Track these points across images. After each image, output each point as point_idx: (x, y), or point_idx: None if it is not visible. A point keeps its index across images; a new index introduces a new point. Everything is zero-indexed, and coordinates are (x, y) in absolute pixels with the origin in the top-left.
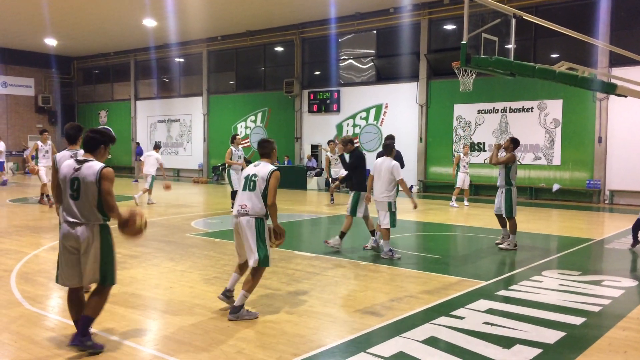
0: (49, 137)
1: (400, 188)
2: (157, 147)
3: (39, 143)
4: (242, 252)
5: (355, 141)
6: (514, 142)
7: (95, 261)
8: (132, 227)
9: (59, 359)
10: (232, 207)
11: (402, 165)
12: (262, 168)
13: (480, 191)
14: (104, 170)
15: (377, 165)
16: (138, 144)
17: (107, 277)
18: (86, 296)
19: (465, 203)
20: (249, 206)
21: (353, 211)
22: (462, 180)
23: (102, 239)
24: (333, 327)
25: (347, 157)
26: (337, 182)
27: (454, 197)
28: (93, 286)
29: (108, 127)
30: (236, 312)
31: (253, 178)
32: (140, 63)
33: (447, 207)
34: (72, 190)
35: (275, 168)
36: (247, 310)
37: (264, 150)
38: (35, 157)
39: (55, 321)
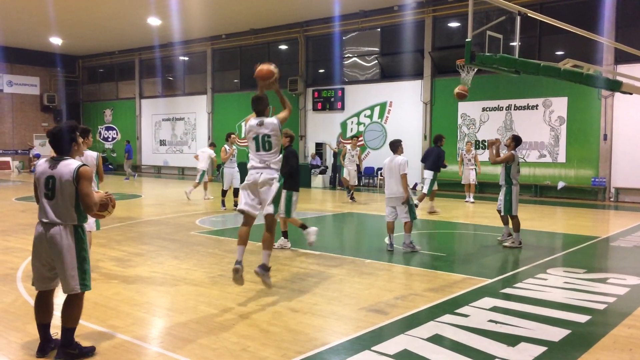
0: None
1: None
2: (212, 144)
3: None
4: (253, 207)
5: (360, 139)
6: (516, 140)
7: (73, 268)
8: (101, 211)
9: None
10: (223, 205)
11: (443, 165)
12: (269, 124)
13: (485, 189)
14: (81, 169)
15: (387, 164)
16: (128, 142)
17: (85, 284)
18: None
19: (471, 199)
20: (268, 160)
21: (287, 212)
22: (467, 176)
23: (77, 243)
24: (338, 324)
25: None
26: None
27: (466, 194)
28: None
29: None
30: (266, 270)
31: (267, 139)
32: (145, 62)
33: (452, 205)
34: (46, 189)
35: (276, 119)
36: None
37: (259, 107)
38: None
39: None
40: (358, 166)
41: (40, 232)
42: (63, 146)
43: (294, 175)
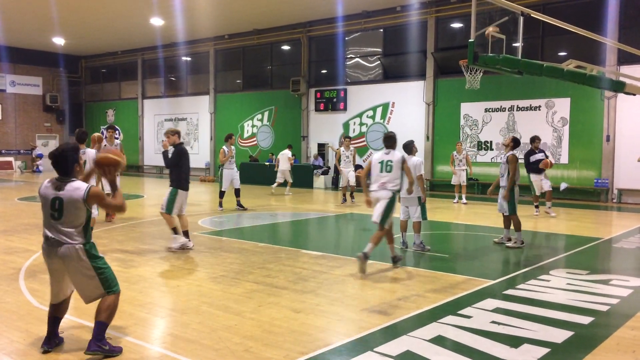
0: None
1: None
2: (290, 146)
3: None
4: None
5: (362, 140)
6: (515, 142)
7: (92, 278)
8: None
9: (67, 357)
10: (220, 205)
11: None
12: (393, 155)
13: (487, 190)
14: (91, 190)
15: None
16: (33, 148)
17: (112, 290)
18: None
19: (463, 200)
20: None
21: (169, 209)
22: (457, 177)
23: (90, 259)
24: (340, 325)
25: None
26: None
27: (456, 195)
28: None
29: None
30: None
31: (389, 163)
32: (148, 62)
33: (454, 206)
34: (52, 210)
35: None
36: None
37: (389, 142)
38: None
39: (64, 319)
40: (357, 166)
41: (50, 251)
42: (67, 167)
43: (181, 174)
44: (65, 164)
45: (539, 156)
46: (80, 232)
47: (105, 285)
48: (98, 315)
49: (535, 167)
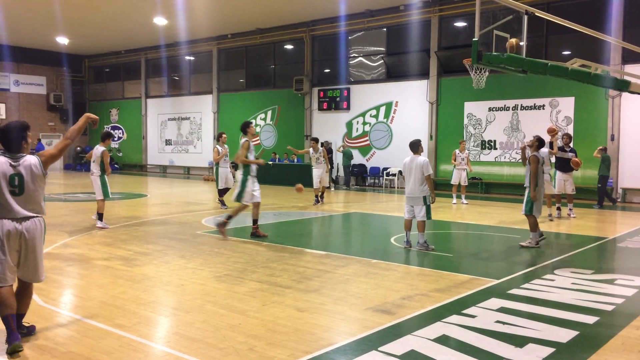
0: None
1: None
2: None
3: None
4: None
5: (365, 139)
6: (539, 142)
7: (41, 257)
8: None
9: (72, 355)
10: (221, 204)
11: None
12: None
13: (491, 189)
14: (39, 154)
15: (407, 163)
16: (39, 140)
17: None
18: None
19: (463, 200)
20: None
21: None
22: (458, 176)
23: (44, 233)
24: (344, 324)
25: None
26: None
27: (454, 195)
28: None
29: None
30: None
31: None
32: (151, 61)
33: (465, 206)
34: (12, 186)
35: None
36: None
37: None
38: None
39: (68, 317)
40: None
41: (10, 229)
42: (16, 144)
43: None
44: (13, 140)
45: (568, 155)
46: (42, 205)
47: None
48: (22, 309)
49: (564, 165)
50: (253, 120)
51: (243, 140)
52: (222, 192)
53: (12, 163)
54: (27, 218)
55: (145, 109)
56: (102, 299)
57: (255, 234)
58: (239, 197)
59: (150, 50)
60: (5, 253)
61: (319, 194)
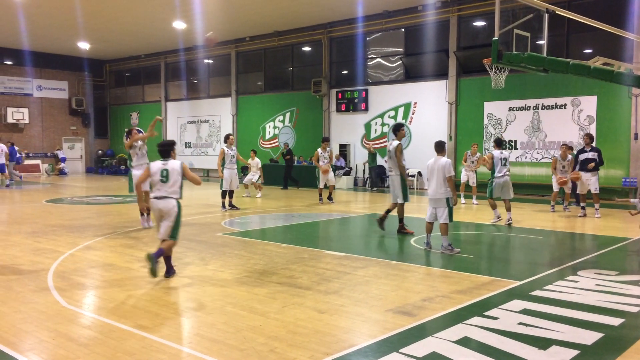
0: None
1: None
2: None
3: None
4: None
5: (384, 140)
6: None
7: (173, 222)
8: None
9: (96, 356)
10: (223, 206)
11: (602, 163)
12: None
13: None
14: (183, 164)
15: (430, 165)
16: (12, 144)
17: (176, 236)
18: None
19: (474, 201)
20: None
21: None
22: (466, 176)
23: (179, 208)
24: (365, 326)
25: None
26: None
27: (461, 194)
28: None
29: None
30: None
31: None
32: (170, 65)
33: (477, 206)
34: (162, 176)
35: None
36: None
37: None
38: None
39: (92, 319)
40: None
41: (157, 203)
42: (169, 153)
43: None
44: (168, 151)
45: (588, 155)
46: (178, 191)
47: (175, 230)
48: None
49: (582, 166)
50: (271, 123)
51: (396, 143)
52: (225, 194)
53: (163, 163)
54: (167, 197)
55: (165, 112)
56: (125, 300)
57: (401, 230)
58: (405, 197)
59: (169, 54)
60: (157, 219)
61: (328, 194)
